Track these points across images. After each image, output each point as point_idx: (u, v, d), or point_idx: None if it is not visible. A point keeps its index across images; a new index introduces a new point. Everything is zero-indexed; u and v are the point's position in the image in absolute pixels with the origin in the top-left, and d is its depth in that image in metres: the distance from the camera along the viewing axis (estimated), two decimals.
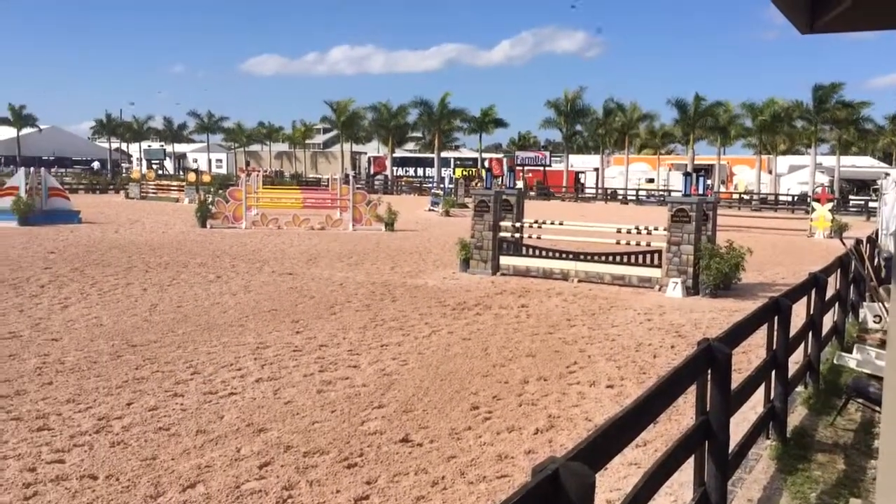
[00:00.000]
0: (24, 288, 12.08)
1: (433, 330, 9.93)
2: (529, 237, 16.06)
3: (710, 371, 3.88)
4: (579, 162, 71.68)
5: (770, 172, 62.08)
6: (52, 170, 42.58)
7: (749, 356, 8.20)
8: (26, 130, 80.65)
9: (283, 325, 9.88)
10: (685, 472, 4.20)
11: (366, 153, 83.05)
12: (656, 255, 14.21)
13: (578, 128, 68.54)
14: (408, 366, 8.04)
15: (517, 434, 6.07)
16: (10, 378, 7.09)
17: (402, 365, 8.06)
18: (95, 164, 79.25)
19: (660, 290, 13.75)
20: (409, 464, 5.37)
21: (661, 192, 55.46)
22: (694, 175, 15.37)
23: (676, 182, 55.90)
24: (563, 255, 15.17)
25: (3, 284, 12.31)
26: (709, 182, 31.36)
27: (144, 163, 75.81)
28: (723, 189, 58.82)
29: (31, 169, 25.59)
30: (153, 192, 41.80)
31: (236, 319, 10.17)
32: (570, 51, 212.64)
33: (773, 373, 5.69)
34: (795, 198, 49.96)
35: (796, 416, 6.46)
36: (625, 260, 14.55)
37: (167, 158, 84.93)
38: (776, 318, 5.57)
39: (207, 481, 4.94)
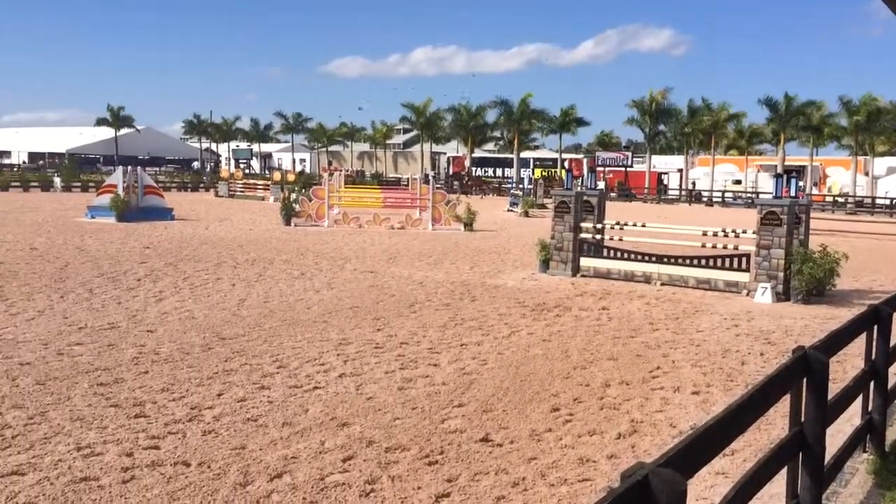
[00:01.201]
0: (122, 281, 12.67)
1: (512, 330, 9.91)
2: (611, 239, 15.83)
3: (805, 380, 3.74)
4: (662, 162, 70.18)
5: (867, 174, 59.26)
6: (147, 169, 44.34)
7: (844, 366, 7.86)
8: (124, 131, 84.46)
9: (365, 322, 10.04)
10: (776, 484, 4.07)
11: (445, 153, 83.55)
12: (744, 259, 13.78)
13: (662, 128, 67.10)
14: (487, 365, 8.05)
15: (599, 438, 5.99)
16: (110, 367, 7.45)
17: (481, 364, 8.08)
18: (195, 164, 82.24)
19: (748, 295, 13.32)
20: (489, 463, 5.38)
21: (748, 195, 53.73)
22: (785, 176, 14.83)
23: (765, 184, 54.10)
24: (646, 258, 14.88)
25: (102, 277, 12.95)
26: (801, 184, 30.20)
27: (232, 162, 78.36)
28: (815, 191, 56.50)
29: (129, 168, 26.79)
30: (240, 191, 43.12)
31: (320, 316, 10.40)
32: (655, 49, 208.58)
33: (872, 384, 5.44)
34: (894, 201, 47.54)
35: (895, 430, 6.15)
36: (710, 263, 14.17)
37: (254, 158, 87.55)
38: (875, 326, 5.33)
39: (293, 472, 5.08)
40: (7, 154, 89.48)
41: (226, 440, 5.61)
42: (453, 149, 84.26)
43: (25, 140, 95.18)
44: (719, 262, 14.10)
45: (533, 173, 63.04)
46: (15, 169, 63.67)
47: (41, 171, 59.82)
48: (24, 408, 6.15)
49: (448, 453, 5.52)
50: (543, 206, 37.83)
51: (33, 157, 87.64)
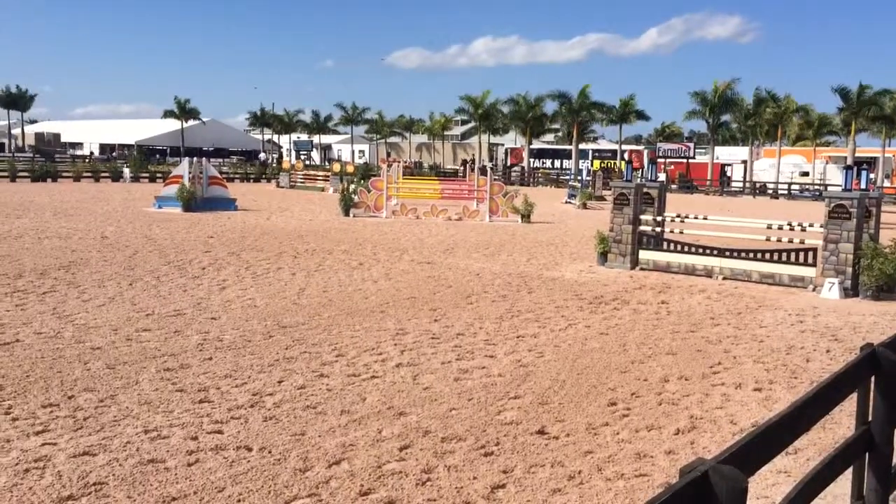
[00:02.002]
0: (187, 269, 13.03)
1: (569, 323, 9.84)
2: (671, 231, 15.56)
3: (873, 378, 3.63)
4: (726, 154, 68.53)
5: None
6: (211, 160, 45.27)
7: None
8: (190, 123, 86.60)
9: (422, 313, 10.11)
10: (840, 484, 3.96)
11: (503, 144, 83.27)
12: (810, 254, 13.38)
13: (726, 118, 65.46)
14: (544, 358, 8.02)
15: (656, 433, 5.92)
16: (176, 353, 7.68)
17: (538, 357, 8.06)
18: (262, 156, 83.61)
19: (814, 290, 12.94)
20: (545, 456, 5.37)
21: (816, 187, 52.12)
22: (855, 168, 14.32)
23: (834, 176, 52.34)
24: (707, 251, 14.58)
25: (169, 266, 13.34)
26: (871, 176, 29.13)
27: (293, 153, 79.64)
28: (887, 184, 54.37)
29: (194, 159, 27.45)
30: (301, 182, 43.77)
31: (377, 305, 10.51)
32: (722, 37, 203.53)
33: None
34: None
35: None
36: (775, 258, 13.80)
37: (314, 149, 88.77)
38: None
39: (351, 459, 5.16)
40: (80, 145, 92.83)
41: (286, 426, 5.73)
42: (511, 140, 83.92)
43: (97, 132, 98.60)
44: (784, 256, 13.73)
45: (591, 165, 62.35)
46: (86, 160, 66.01)
47: (111, 161, 61.83)
48: (95, 391, 6.40)
49: (504, 445, 5.54)
50: (602, 199, 37.40)
51: (103, 148, 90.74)
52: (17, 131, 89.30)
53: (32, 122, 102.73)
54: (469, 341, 8.64)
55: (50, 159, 58.41)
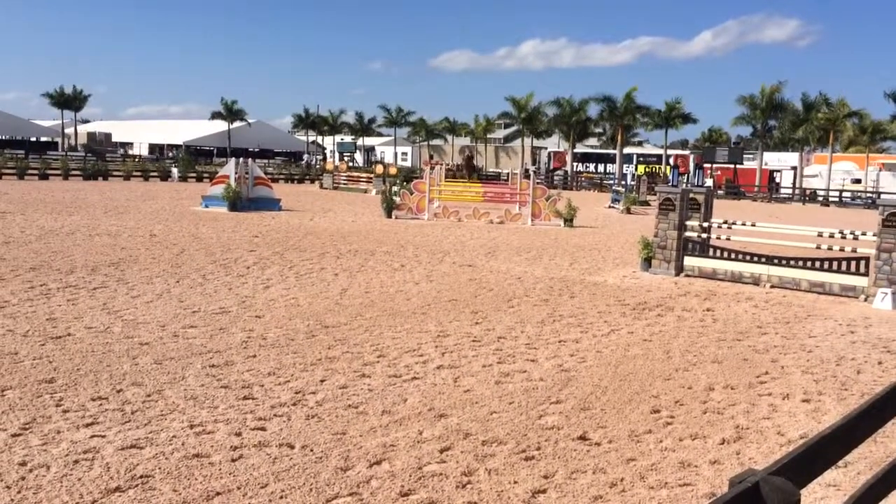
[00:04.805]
0: (233, 268, 13.23)
1: (612, 329, 9.74)
2: (717, 238, 15.30)
3: None
4: (774, 159, 67.27)
5: None
6: (257, 160, 45.89)
7: None
8: (236, 124, 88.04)
9: (463, 316, 10.10)
10: (892, 500, 3.85)
11: (546, 148, 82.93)
12: (862, 263, 13.04)
13: (773, 123, 64.19)
14: (586, 363, 7.95)
15: (701, 442, 5.82)
16: (221, 349, 7.80)
17: (579, 362, 7.99)
18: (306, 157, 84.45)
19: (866, 300, 12.60)
20: (586, 462, 5.32)
21: (868, 194, 50.83)
22: None
23: (888, 183, 51.01)
24: (755, 258, 14.30)
25: (215, 264, 13.56)
26: None
27: (337, 155, 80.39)
28: None
29: (240, 159, 27.87)
30: (344, 183, 44.16)
31: (419, 307, 10.53)
32: (779, 40, 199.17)
33: None
34: None
35: None
36: (825, 266, 13.47)
37: (357, 151, 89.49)
38: None
39: (392, 460, 5.18)
40: (130, 145, 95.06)
41: (328, 425, 5.78)
42: (554, 143, 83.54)
43: (147, 132, 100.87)
44: (835, 265, 13.40)
45: (636, 169, 61.73)
46: (136, 159, 67.55)
47: (160, 161, 63.11)
48: (142, 385, 6.52)
49: (545, 449, 5.50)
50: (646, 203, 36.99)
51: (152, 148, 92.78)
52: (70, 130, 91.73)
53: (85, 121, 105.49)
54: (510, 345, 8.60)
55: (101, 158, 59.85)
